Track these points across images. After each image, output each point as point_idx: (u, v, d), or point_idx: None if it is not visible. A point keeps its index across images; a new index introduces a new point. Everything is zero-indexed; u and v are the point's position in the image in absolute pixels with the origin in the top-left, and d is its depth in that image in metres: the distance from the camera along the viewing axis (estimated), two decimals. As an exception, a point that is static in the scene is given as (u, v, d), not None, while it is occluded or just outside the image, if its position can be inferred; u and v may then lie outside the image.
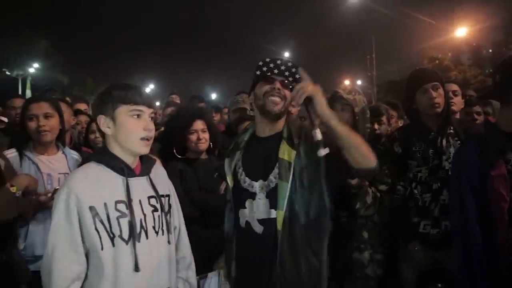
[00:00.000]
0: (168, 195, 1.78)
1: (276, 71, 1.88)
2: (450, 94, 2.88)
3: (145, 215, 1.61)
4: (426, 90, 2.39)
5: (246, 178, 1.91)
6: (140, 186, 1.64)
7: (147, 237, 1.59)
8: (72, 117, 3.35)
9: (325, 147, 1.66)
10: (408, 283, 2.51)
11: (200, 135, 2.74)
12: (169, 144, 2.78)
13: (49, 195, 2.20)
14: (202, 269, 2.63)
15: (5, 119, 4.11)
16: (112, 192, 1.56)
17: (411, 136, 2.46)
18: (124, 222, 1.54)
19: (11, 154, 2.34)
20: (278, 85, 1.85)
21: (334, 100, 2.52)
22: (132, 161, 1.65)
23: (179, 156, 2.74)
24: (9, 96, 4.10)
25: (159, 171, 1.82)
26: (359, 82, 28.50)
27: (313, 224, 1.81)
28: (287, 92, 1.86)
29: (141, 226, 1.58)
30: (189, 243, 1.95)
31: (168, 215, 1.72)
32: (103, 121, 1.60)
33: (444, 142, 2.36)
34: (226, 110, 5.12)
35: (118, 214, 1.54)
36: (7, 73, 28.29)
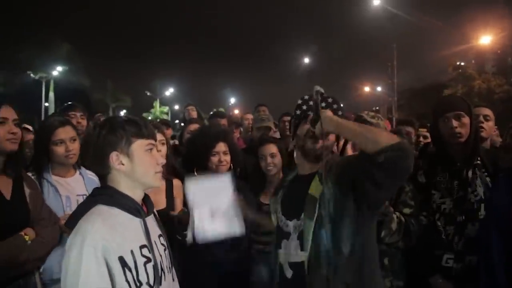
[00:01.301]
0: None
1: (323, 104, 1.82)
2: (481, 118, 2.71)
3: (161, 256, 1.56)
4: (448, 119, 2.32)
5: (282, 216, 1.86)
6: (152, 226, 1.58)
7: (165, 279, 1.54)
8: None
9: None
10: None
11: (222, 157, 2.73)
12: (191, 163, 2.78)
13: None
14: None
15: (31, 128, 4.12)
16: (135, 237, 1.47)
17: (436, 166, 2.38)
18: (150, 268, 1.47)
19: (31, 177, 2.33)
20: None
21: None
22: (140, 197, 1.58)
23: None
24: (34, 97, 4.12)
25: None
26: (379, 89, 28.17)
27: (350, 262, 1.65)
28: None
29: (161, 268, 1.53)
30: None
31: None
32: (115, 157, 1.49)
33: (470, 173, 2.28)
34: (247, 117, 5.12)
35: (144, 260, 1.45)
36: (32, 75, 28.99)
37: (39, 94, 27.70)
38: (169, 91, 42.27)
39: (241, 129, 4.91)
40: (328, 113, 1.72)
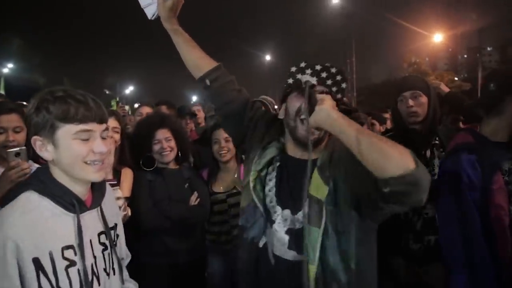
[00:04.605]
0: (116, 224, 1.50)
1: (315, 78, 1.49)
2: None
3: (95, 258, 1.33)
4: (405, 98, 2.30)
5: (274, 197, 1.52)
6: (91, 222, 1.35)
7: (99, 284, 1.32)
8: None
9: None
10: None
11: (164, 144, 2.59)
12: (136, 156, 2.62)
13: None
14: (172, 284, 2.49)
15: None
16: (59, 236, 1.24)
17: None
18: (74, 272, 1.25)
19: None
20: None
21: None
22: (83, 191, 1.34)
23: (147, 169, 2.59)
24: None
25: (107, 196, 1.48)
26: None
27: (357, 280, 1.41)
28: None
29: (93, 273, 1.30)
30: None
31: (116, 248, 1.46)
32: (39, 143, 1.26)
33: (428, 153, 2.26)
34: (198, 108, 4.86)
35: (66, 263, 1.23)
36: (-20, 74, 27.34)
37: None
38: (129, 89, 41.21)
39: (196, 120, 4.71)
40: (327, 103, 1.33)
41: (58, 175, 1.29)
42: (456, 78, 24.69)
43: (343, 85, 1.51)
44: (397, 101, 2.36)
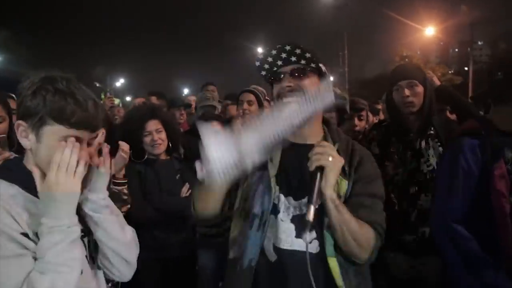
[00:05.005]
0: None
1: (280, 62, 1.47)
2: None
3: None
4: (400, 88, 2.25)
5: (277, 186, 1.47)
6: None
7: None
8: None
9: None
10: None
11: (154, 136, 2.53)
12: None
13: None
14: (161, 279, 2.44)
15: None
16: (33, 221, 1.16)
17: (390, 136, 2.31)
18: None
19: None
20: (286, 82, 1.45)
21: None
22: None
23: (137, 160, 2.52)
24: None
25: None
26: (331, 78, 28.66)
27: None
28: (304, 83, 1.44)
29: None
30: None
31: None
32: (22, 129, 1.17)
33: (423, 143, 2.22)
34: (190, 99, 4.83)
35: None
36: (-36, 66, 26.81)
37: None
38: (120, 82, 40.76)
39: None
40: (332, 178, 1.33)
41: (31, 163, 1.21)
42: (449, 72, 24.80)
43: (307, 55, 1.46)
44: (392, 90, 2.32)
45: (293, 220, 1.44)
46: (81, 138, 1.17)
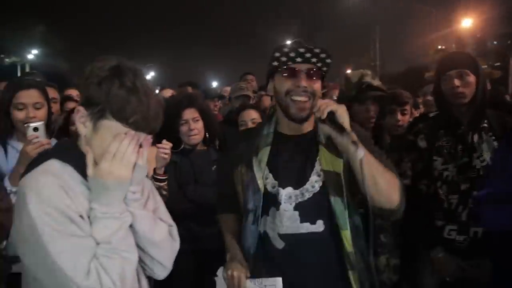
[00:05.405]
0: None
1: (299, 59, 1.51)
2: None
3: None
4: (450, 78, 2.09)
5: (275, 182, 1.59)
6: None
7: None
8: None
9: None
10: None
11: (191, 125, 2.47)
12: (160, 136, 2.51)
13: None
14: (195, 271, 2.40)
15: None
16: (87, 204, 1.16)
17: (438, 129, 2.17)
18: None
19: None
20: (303, 82, 1.50)
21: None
22: None
23: (173, 151, 2.47)
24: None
25: None
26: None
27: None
28: (316, 86, 1.54)
29: None
30: None
31: None
32: (81, 114, 1.16)
33: (475, 137, 2.07)
34: (225, 90, 4.80)
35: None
36: (6, 60, 27.90)
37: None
38: (151, 75, 41.42)
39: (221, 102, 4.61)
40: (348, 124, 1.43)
41: (84, 148, 1.20)
42: (485, 66, 23.83)
43: (328, 61, 1.55)
44: (440, 81, 2.17)
45: (296, 207, 1.54)
46: (133, 137, 1.15)
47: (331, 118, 1.41)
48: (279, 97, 1.59)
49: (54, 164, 1.17)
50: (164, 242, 1.32)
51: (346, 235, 1.51)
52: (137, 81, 1.14)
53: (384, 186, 1.45)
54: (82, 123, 1.17)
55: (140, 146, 1.18)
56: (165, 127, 2.42)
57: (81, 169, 1.17)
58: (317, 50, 1.50)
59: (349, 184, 1.52)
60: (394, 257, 2.24)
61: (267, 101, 3.40)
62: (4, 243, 2.01)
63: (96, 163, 1.13)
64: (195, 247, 2.38)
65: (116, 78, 1.12)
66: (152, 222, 1.27)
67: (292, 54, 1.50)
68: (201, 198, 2.42)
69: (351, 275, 1.51)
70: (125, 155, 1.11)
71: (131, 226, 1.19)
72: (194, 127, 2.47)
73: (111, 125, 1.13)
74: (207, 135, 2.56)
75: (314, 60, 1.52)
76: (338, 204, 1.51)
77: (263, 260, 1.59)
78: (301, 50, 1.49)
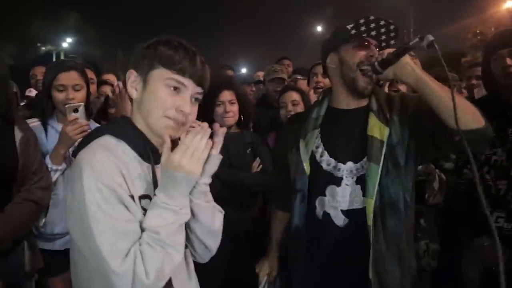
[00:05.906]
0: None
1: (374, 33, 1.53)
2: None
3: None
4: (501, 57, 1.98)
5: (331, 159, 1.59)
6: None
7: None
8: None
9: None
10: (471, 282, 2.18)
11: (227, 107, 2.45)
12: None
13: None
14: (230, 255, 2.40)
15: (33, 94, 3.96)
16: (139, 182, 1.16)
17: (486, 112, 2.05)
18: None
19: (34, 123, 2.13)
20: (376, 54, 1.52)
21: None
22: (156, 142, 1.24)
23: None
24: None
25: None
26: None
27: (410, 212, 1.55)
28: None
29: None
30: None
31: None
32: (133, 78, 1.20)
33: None
34: (258, 75, 4.75)
35: (142, 213, 1.13)
36: (42, 48, 28.81)
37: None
38: (179, 63, 41.82)
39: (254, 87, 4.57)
40: (409, 59, 1.44)
41: (138, 120, 1.22)
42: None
43: (392, 42, 1.57)
44: (490, 61, 2.05)
45: (357, 181, 1.55)
46: (185, 85, 1.18)
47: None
48: (347, 69, 1.58)
49: (109, 140, 1.18)
50: (219, 232, 1.34)
51: (370, 204, 1.49)
52: (183, 42, 1.21)
53: (464, 105, 1.37)
54: (133, 87, 1.21)
55: (211, 137, 1.17)
56: (203, 107, 2.44)
57: (134, 145, 1.19)
58: (392, 33, 1.53)
59: (393, 156, 1.51)
60: (434, 242, 2.21)
61: (303, 85, 3.34)
62: (43, 220, 2.06)
63: (168, 148, 1.13)
64: (230, 230, 2.37)
65: (165, 38, 1.21)
66: (213, 212, 1.28)
67: (372, 26, 1.51)
68: (237, 182, 2.40)
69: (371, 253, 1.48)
70: (196, 150, 1.11)
71: (192, 217, 1.19)
72: (230, 109, 2.45)
73: (160, 73, 1.16)
74: (242, 118, 2.54)
75: (383, 37, 1.54)
76: (371, 171, 1.49)
77: (323, 242, 1.60)
78: (381, 28, 1.51)
